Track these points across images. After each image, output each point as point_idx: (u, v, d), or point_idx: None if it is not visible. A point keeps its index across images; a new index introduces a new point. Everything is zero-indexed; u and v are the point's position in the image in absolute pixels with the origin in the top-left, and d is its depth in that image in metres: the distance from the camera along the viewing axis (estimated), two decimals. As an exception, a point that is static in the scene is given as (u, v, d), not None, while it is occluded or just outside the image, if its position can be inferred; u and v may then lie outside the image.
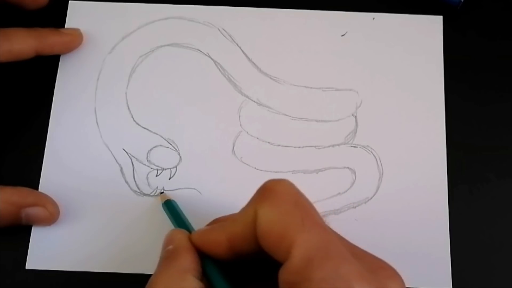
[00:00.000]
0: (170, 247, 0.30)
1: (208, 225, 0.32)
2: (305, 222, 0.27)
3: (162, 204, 0.36)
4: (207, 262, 0.29)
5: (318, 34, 0.41)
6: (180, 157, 0.39)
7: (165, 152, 0.39)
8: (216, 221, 0.32)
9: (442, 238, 0.37)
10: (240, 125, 0.39)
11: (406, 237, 0.37)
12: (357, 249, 0.28)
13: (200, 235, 0.30)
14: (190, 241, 0.30)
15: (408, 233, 0.37)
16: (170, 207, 0.36)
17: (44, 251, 0.37)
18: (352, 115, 0.39)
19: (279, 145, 0.39)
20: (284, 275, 0.26)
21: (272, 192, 0.28)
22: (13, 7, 0.40)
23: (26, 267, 0.36)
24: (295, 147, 0.39)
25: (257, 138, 0.39)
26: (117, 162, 0.39)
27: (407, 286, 0.35)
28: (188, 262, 0.29)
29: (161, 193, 0.38)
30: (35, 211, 0.36)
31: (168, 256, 0.29)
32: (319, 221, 0.27)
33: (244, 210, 0.28)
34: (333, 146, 0.39)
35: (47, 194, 0.37)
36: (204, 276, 0.29)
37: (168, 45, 0.41)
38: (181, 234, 0.31)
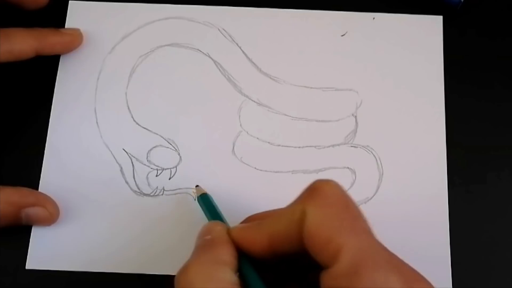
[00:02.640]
0: (208, 237, 0.29)
1: (242, 222, 0.32)
2: (355, 227, 0.26)
3: (198, 197, 0.36)
4: (244, 259, 0.29)
5: (318, 34, 0.41)
6: (180, 157, 0.39)
7: (165, 152, 0.39)
8: (251, 219, 0.31)
9: (442, 238, 0.37)
10: (240, 125, 0.39)
11: (406, 237, 0.37)
12: (396, 258, 0.27)
13: (240, 231, 0.30)
14: (228, 235, 0.29)
15: (408, 233, 0.37)
16: (206, 200, 0.35)
17: (44, 251, 0.37)
18: (352, 115, 0.39)
19: (279, 145, 0.39)
20: (329, 279, 0.26)
21: (322, 192, 0.27)
22: (13, 7, 0.40)
23: (26, 267, 0.36)
24: (295, 147, 0.39)
25: (257, 138, 0.39)
26: (117, 162, 0.39)
27: (407, 286, 0.35)
28: (225, 254, 0.28)
29: (196, 186, 0.37)
30: (35, 211, 0.36)
31: (205, 245, 0.29)
32: (367, 227, 0.27)
33: (290, 208, 0.28)
34: (333, 146, 0.39)
35: (47, 194, 0.37)
36: (239, 272, 0.29)
37: (168, 45, 0.41)
38: (221, 226, 0.30)
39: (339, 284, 0.25)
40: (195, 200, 0.36)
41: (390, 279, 0.25)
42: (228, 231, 0.30)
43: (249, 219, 0.32)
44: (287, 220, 0.28)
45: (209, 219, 0.34)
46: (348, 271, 0.25)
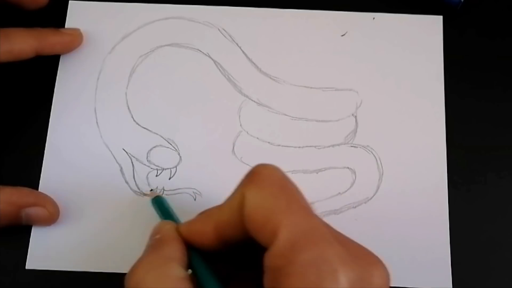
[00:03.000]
0: (157, 236, 0.30)
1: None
2: (291, 205, 0.27)
3: (151, 200, 0.36)
4: (194, 254, 0.29)
5: (318, 34, 0.41)
6: (180, 157, 0.39)
7: (165, 152, 0.39)
8: (202, 213, 0.32)
9: (442, 238, 0.37)
10: (240, 125, 0.39)
11: (406, 237, 0.37)
12: (341, 235, 0.27)
13: (187, 225, 0.30)
14: (177, 232, 0.30)
15: (408, 233, 0.37)
16: (159, 202, 0.36)
17: (44, 251, 0.37)
18: (352, 115, 0.39)
19: (279, 145, 0.39)
20: (269, 258, 0.26)
21: (258, 175, 0.28)
22: (13, 7, 0.40)
23: (26, 267, 0.36)
24: (295, 147, 0.39)
25: (257, 138, 0.39)
26: (117, 162, 0.39)
27: (407, 286, 0.36)
28: (173, 250, 0.29)
29: (151, 190, 0.38)
30: (35, 211, 0.36)
31: (154, 244, 0.29)
32: (304, 205, 0.27)
33: (231, 196, 0.28)
34: (333, 146, 0.39)
35: (47, 194, 0.37)
36: (191, 269, 0.29)
37: (168, 45, 0.41)
38: (169, 225, 0.31)
39: (278, 262, 0.25)
40: (151, 203, 0.36)
41: (328, 253, 0.25)
42: (177, 228, 0.30)
43: (201, 214, 0.31)
44: (229, 207, 0.28)
45: (162, 219, 0.34)
46: (285, 248, 0.25)
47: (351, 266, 0.25)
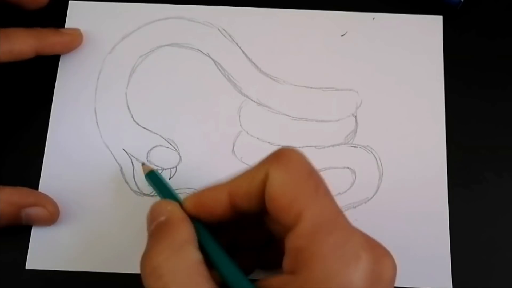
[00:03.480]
0: (162, 218, 0.29)
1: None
2: (318, 190, 0.27)
3: (145, 176, 0.35)
4: (202, 232, 0.29)
5: (318, 34, 0.41)
6: (180, 157, 0.39)
7: (165, 152, 0.39)
8: (213, 185, 0.31)
9: (442, 238, 0.37)
10: (240, 125, 0.39)
11: (406, 237, 0.37)
12: (359, 230, 0.28)
13: (197, 195, 0.30)
14: (183, 211, 0.30)
15: (408, 233, 0.37)
16: (154, 178, 0.35)
17: (44, 251, 0.37)
18: (352, 115, 0.39)
19: (279, 145, 0.39)
20: (292, 239, 0.27)
21: (287, 158, 0.28)
22: (13, 7, 0.40)
23: (26, 267, 0.36)
24: (295, 147, 0.39)
25: (257, 138, 0.39)
26: (117, 162, 0.39)
27: (407, 286, 0.36)
28: (186, 233, 0.28)
29: (142, 164, 0.37)
30: (35, 211, 0.36)
31: (161, 228, 0.29)
32: (329, 195, 0.28)
33: (253, 168, 0.28)
34: (333, 146, 0.39)
35: (47, 194, 0.37)
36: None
37: (168, 45, 0.41)
38: (172, 204, 0.30)
39: (302, 242, 0.26)
40: (145, 178, 0.36)
41: (352, 238, 0.26)
42: (186, 198, 0.30)
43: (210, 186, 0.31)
44: (249, 179, 0.28)
45: (160, 197, 0.33)
46: (311, 230, 0.26)
47: (369, 252, 0.26)
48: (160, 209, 0.30)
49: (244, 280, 0.28)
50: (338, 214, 0.27)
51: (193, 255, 0.27)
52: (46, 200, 0.36)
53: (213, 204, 0.29)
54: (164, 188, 0.34)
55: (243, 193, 0.28)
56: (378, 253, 0.27)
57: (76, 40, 0.41)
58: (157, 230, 0.29)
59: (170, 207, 0.30)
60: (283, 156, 0.28)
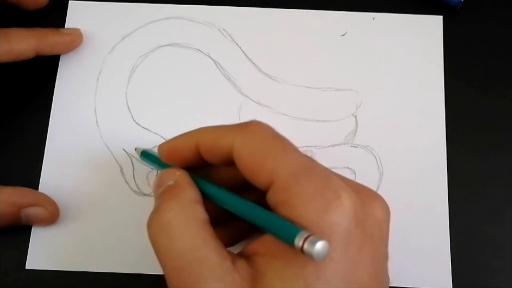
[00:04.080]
0: (171, 182, 0.30)
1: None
2: (287, 149, 0.28)
3: (140, 156, 0.36)
4: (204, 181, 0.30)
5: (318, 34, 0.41)
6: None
7: (165, 152, 0.39)
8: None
9: (442, 238, 0.37)
10: (240, 125, 0.39)
11: (406, 237, 0.37)
12: (338, 174, 0.29)
13: (170, 141, 0.31)
14: (190, 177, 0.30)
15: (408, 233, 0.37)
16: (149, 155, 0.35)
17: (44, 251, 0.37)
18: (352, 115, 0.39)
19: (279, 145, 0.39)
20: (271, 196, 0.27)
21: (251, 127, 0.28)
22: (13, 7, 0.40)
23: (26, 267, 0.36)
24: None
25: (257, 138, 0.39)
26: (117, 162, 0.39)
27: (407, 286, 0.36)
28: (194, 193, 0.29)
29: (135, 149, 0.37)
30: (35, 211, 0.36)
31: (170, 191, 0.29)
32: (299, 150, 0.28)
33: (219, 132, 0.29)
34: (333, 146, 0.39)
35: (47, 194, 0.37)
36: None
37: (168, 45, 0.41)
38: (180, 171, 0.30)
39: (280, 197, 0.27)
40: (140, 160, 0.36)
41: (330, 182, 0.27)
42: (159, 147, 0.31)
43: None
44: (214, 143, 0.29)
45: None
46: (288, 182, 0.26)
47: (352, 194, 0.27)
48: (168, 175, 0.30)
49: (254, 207, 0.28)
50: (311, 162, 0.27)
51: (201, 214, 0.28)
52: (46, 200, 0.36)
53: (184, 151, 0.30)
54: (162, 163, 0.34)
55: (208, 150, 0.29)
56: (367, 194, 0.28)
57: (76, 40, 0.41)
58: (165, 192, 0.29)
59: (179, 172, 0.30)
60: (247, 127, 0.28)
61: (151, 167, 0.36)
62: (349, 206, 0.26)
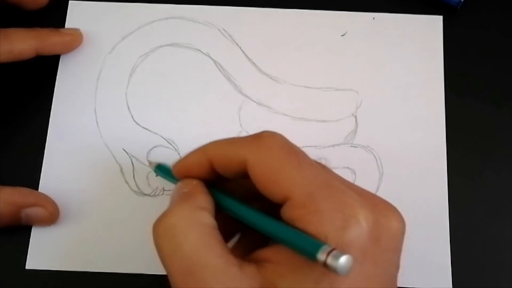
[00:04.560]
0: (185, 189, 0.30)
1: None
2: (302, 164, 0.27)
3: (155, 169, 0.35)
4: (221, 195, 0.30)
5: (318, 34, 0.41)
6: (180, 157, 0.39)
7: (165, 152, 0.39)
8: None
9: (442, 238, 0.37)
10: (240, 125, 0.39)
11: (406, 237, 0.36)
12: (355, 186, 0.29)
13: (183, 159, 0.31)
14: (206, 188, 0.30)
15: (408, 233, 0.37)
16: (164, 169, 0.35)
17: (44, 251, 0.37)
18: (352, 115, 0.39)
19: (279, 145, 0.39)
20: (288, 211, 0.27)
21: (264, 140, 0.28)
22: (13, 7, 0.40)
23: (26, 267, 0.36)
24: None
25: (257, 138, 0.39)
26: (117, 162, 0.39)
27: (407, 286, 0.36)
28: (204, 201, 0.29)
29: (149, 162, 0.37)
30: (35, 211, 0.36)
31: (183, 197, 0.29)
32: (315, 163, 0.28)
33: (231, 147, 0.29)
34: (333, 146, 0.39)
35: (47, 194, 0.37)
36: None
37: (168, 45, 0.41)
38: (196, 180, 0.31)
39: (298, 213, 0.26)
40: (155, 175, 0.36)
41: (347, 198, 0.26)
42: (173, 167, 0.32)
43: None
44: (227, 158, 0.29)
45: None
46: (305, 200, 0.26)
47: (369, 210, 0.27)
48: (186, 183, 0.31)
49: (270, 221, 0.28)
50: (328, 179, 0.27)
51: (208, 220, 0.28)
52: (46, 200, 0.36)
53: (197, 168, 0.30)
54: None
55: (221, 166, 0.29)
56: (382, 207, 0.28)
57: (76, 40, 0.41)
58: (178, 197, 0.30)
59: (195, 182, 0.30)
60: (260, 139, 0.28)
61: (167, 180, 0.35)
62: (366, 224, 0.26)
